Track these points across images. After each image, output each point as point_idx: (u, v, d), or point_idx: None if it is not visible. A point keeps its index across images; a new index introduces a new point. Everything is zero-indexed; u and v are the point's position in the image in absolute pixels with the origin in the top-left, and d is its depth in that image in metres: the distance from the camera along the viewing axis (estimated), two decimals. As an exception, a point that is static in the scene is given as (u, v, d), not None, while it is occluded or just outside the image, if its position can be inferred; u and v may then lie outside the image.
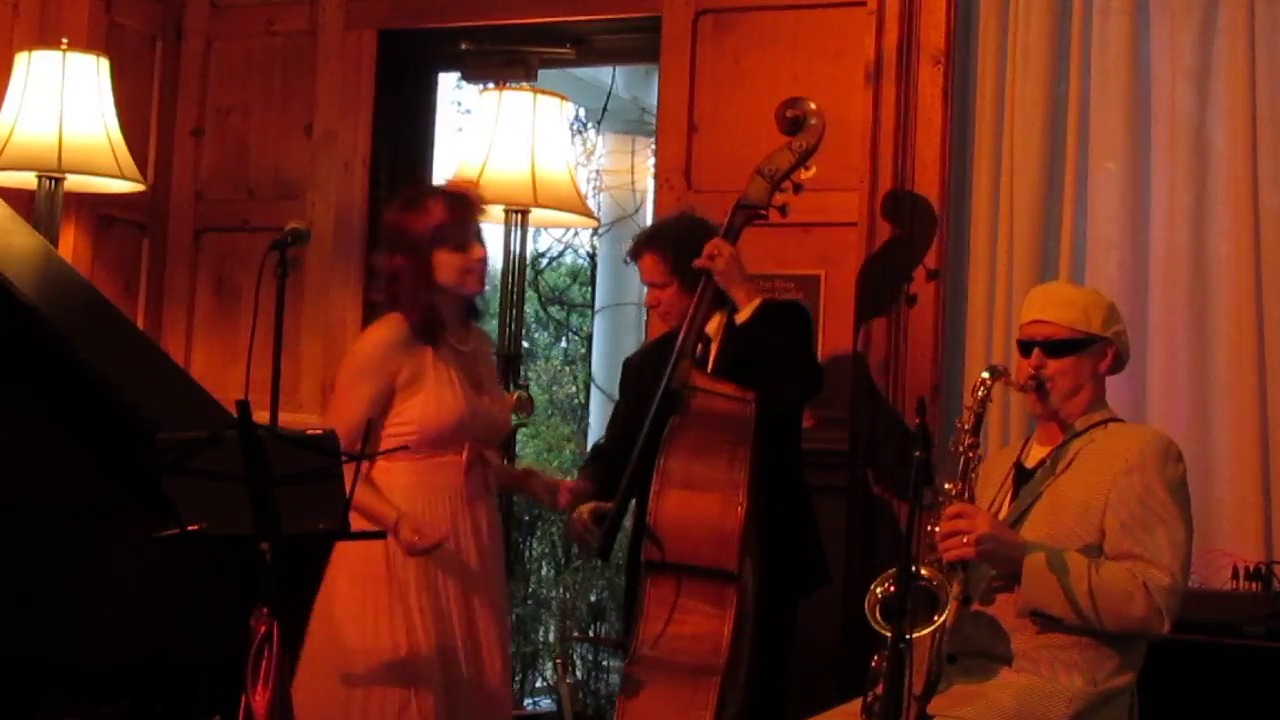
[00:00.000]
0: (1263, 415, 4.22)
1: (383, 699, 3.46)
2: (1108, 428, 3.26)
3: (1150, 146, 4.42)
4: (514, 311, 4.90)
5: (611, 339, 7.65)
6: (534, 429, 7.94)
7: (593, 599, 6.80)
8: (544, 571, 7.12)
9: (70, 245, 5.08)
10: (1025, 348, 3.28)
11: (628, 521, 4.02)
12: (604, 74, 7.03)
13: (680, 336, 3.91)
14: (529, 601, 6.82)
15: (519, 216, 4.87)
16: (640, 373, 4.16)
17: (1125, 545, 3.09)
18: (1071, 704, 3.06)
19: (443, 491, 3.57)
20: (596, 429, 7.32)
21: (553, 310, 8.54)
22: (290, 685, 3.14)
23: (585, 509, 3.90)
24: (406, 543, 3.46)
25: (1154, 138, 4.42)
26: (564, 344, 8.96)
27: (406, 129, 5.50)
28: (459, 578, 3.57)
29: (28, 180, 4.81)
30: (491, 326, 4.72)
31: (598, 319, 7.82)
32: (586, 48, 5.35)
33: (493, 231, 4.69)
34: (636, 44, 5.28)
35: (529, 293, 7.19)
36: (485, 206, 3.81)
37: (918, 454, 2.91)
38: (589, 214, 5.16)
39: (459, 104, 7.87)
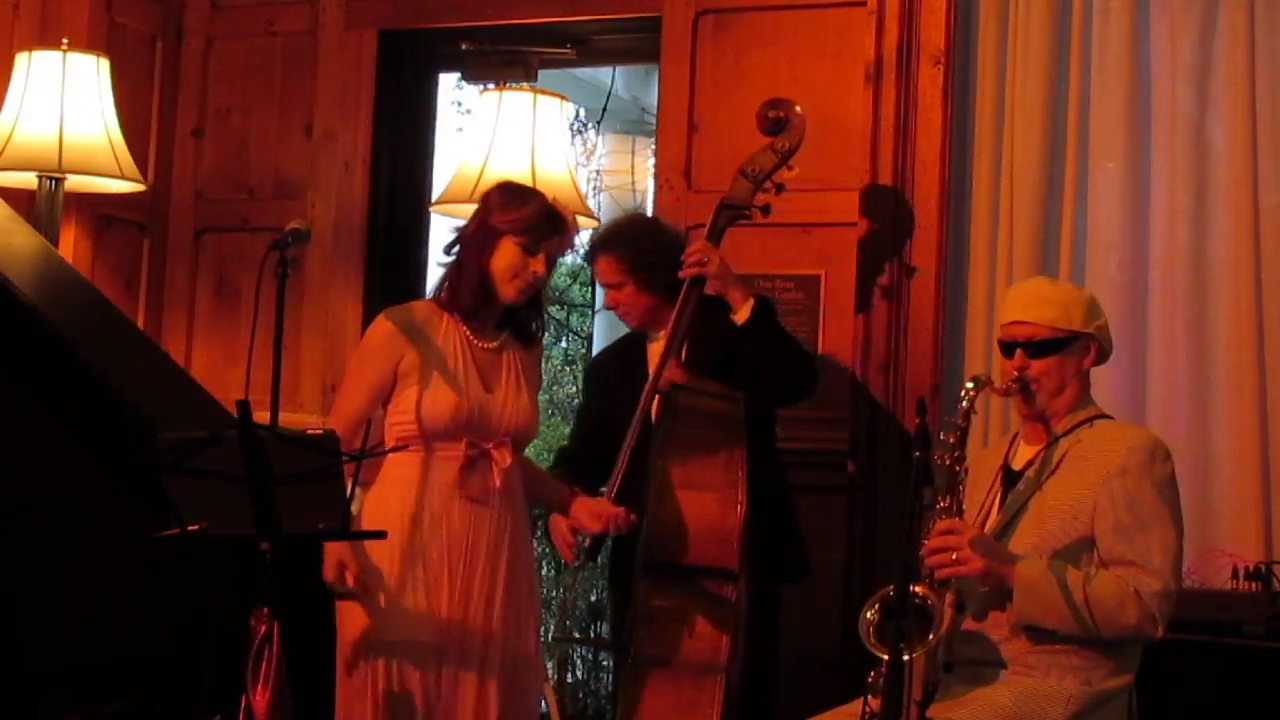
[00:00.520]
0: (1263, 415, 4.22)
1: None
2: (1094, 426, 3.24)
3: (1150, 146, 4.42)
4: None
5: (611, 339, 7.63)
6: (534, 429, 7.93)
7: (592, 599, 6.80)
8: (544, 571, 7.12)
9: (70, 245, 5.08)
10: (1007, 348, 3.26)
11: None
12: (604, 74, 7.03)
13: (666, 337, 3.91)
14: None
15: (519, 216, 4.87)
16: (606, 375, 4.18)
17: (1117, 550, 3.08)
18: (1069, 705, 3.06)
19: (440, 487, 3.53)
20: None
21: (552, 310, 8.54)
22: (288, 685, 3.13)
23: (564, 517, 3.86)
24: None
25: (1154, 138, 4.42)
26: (564, 344, 8.96)
27: (406, 129, 5.50)
28: (447, 576, 3.50)
29: (28, 180, 4.81)
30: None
31: (598, 319, 7.82)
32: (586, 48, 5.35)
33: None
34: (636, 44, 5.28)
35: (529, 293, 7.17)
36: (574, 245, 3.82)
37: (918, 454, 2.92)
38: (589, 214, 5.16)
39: (459, 104, 7.88)
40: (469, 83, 5.95)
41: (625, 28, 5.19)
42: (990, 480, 3.28)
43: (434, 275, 5.62)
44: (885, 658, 2.84)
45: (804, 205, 4.42)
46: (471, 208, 4.87)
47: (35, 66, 4.80)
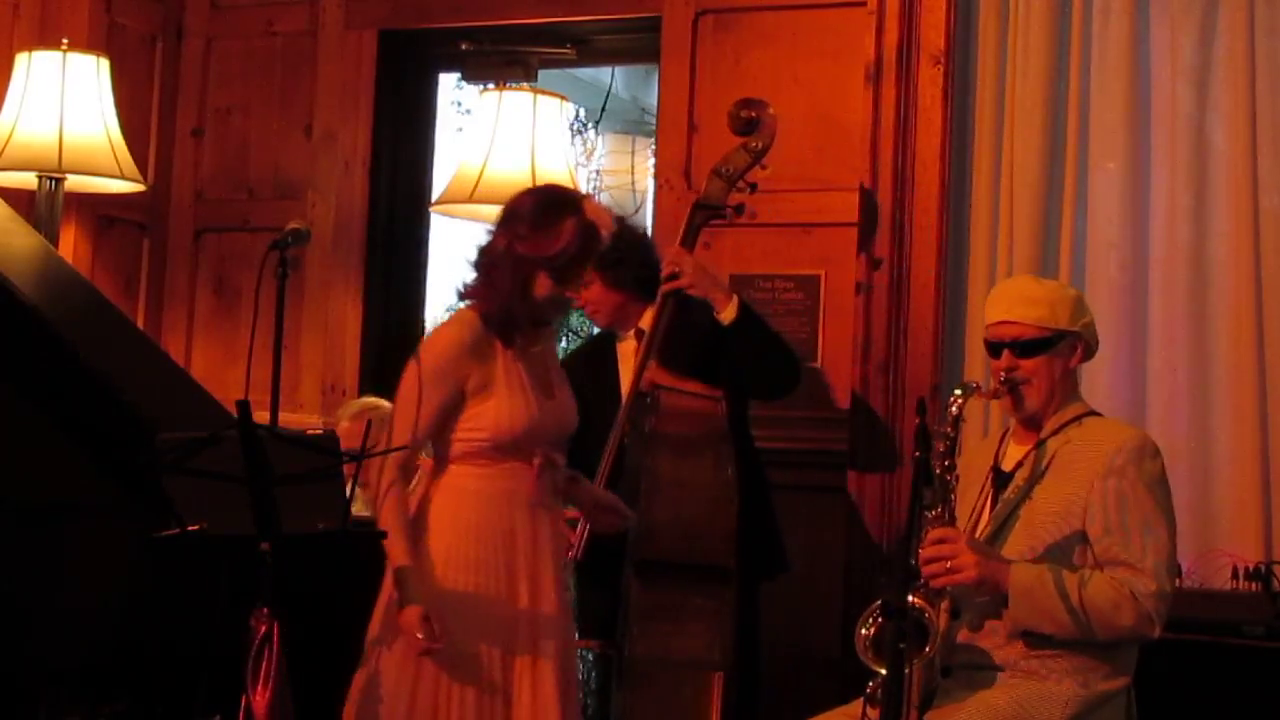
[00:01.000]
0: (1263, 415, 4.22)
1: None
2: (1083, 424, 3.23)
3: (1150, 146, 4.42)
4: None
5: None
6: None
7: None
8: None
9: (70, 245, 5.08)
10: (994, 349, 3.25)
11: None
12: (604, 74, 7.03)
13: (645, 342, 3.90)
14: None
15: (519, 216, 4.86)
16: (576, 376, 4.18)
17: (1111, 551, 3.07)
18: (1067, 707, 3.05)
19: (512, 498, 3.46)
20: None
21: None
22: (288, 685, 3.13)
23: None
24: (406, 628, 3.30)
25: (1154, 138, 4.42)
26: (564, 344, 8.95)
27: (406, 129, 5.50)
28: (524, 582, 3.44)
29: (28, 180, 4.81)
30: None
31: (598, 319, 7.80)
32: (586, 48, 5.35)
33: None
34: (636, 44, 5.28)
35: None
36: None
37: (917, 454, 2.92)
38: (589, 214, 5.15)
39: (459, 104, 7.87)
40: (469, 83, 5.95)
41: (625, 28, 5.20)
42: (981, 480, 3.28)
43: (434, 276, 5.68)
44: (883, 672, 2.84)
45: (804, 205, 4.42)
46: (471, 208, 4.92)
47: (35, 66, 4.80)
